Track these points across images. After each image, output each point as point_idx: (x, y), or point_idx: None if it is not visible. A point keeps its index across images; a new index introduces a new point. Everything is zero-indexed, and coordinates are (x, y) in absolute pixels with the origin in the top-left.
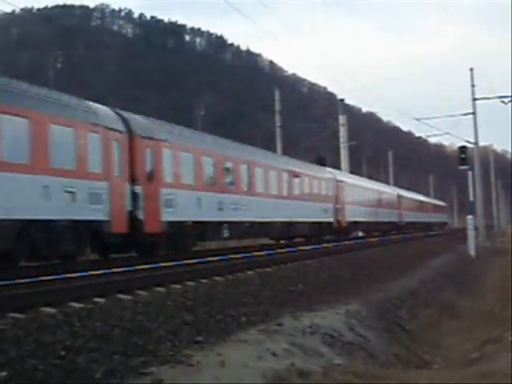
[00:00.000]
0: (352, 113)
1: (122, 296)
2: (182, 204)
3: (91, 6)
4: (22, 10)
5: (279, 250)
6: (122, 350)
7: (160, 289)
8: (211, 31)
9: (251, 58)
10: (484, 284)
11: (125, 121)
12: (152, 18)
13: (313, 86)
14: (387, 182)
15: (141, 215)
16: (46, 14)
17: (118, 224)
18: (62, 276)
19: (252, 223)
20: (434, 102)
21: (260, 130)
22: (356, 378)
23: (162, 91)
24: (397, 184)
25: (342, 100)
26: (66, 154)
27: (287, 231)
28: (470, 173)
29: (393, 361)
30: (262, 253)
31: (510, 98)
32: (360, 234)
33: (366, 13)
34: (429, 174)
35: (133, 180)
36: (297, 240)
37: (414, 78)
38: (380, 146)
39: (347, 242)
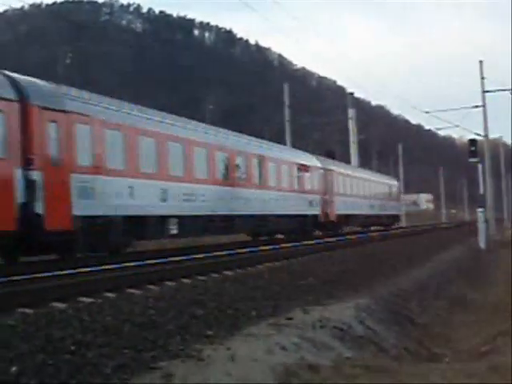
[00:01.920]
0: (361, 106)
1: (132, 291)
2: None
3: (100, 1)
4: (31, 5)
5: (285, 245)
6: (132, 344)
7: (170, 283)
8: (220, 25)
9: (260, 52)
10: (495, 277)
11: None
12: (161, 12)
13: (322, 80)
14: (397, 176)
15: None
16: (54, 9)
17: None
18: (73, 271)
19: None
20: (443, 94)
21: (269, 124)
22: (366, 371)
23: (171, 86)
24: (406, 177)
25: (352, 93)
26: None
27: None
28: (479, 165)
29: (403, 354)
30: (270, 247)
31: None
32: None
33: (376, 6)
34: (438, 167)
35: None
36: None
37: (423, 71)
38: (389, 140)
39: (353, 236)
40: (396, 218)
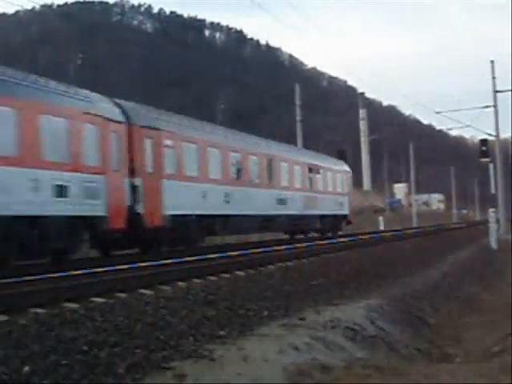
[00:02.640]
0: (373, 106)
1: (144, 291)
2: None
3: (111, 1)
4: (43, 6)
5: (298, 245)
6: (144, 344)
7: (182, 283)
8: (231, 26)
9: (271, 52)
10: (506, 277)
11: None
12: (172, 12)
13: (333, 80)
14: (408, 176)
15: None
16: (66, 10)
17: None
18: (84, 271)
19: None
20: (454, 94)
21: (280, 124)
22: (378, 372)
23: (183, 86)
24: (417, 177)
25: (363, 93)
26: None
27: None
28: (491, 165)
29: (415, 354)
30: (282, 247)
31: None
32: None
33: (389, 6)
34: (450, 167)
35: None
36: (315, 235)
37: (434, 71)
38: (401, 140)
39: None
40: (341, 220)
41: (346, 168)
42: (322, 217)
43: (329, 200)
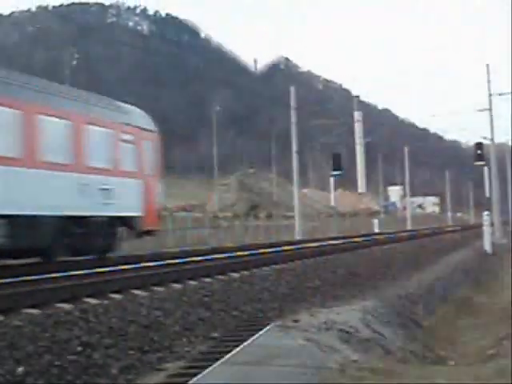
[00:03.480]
0: (368, 109)
1: (138, 292)
2: None
3: (106, 3)
4: (38, 7)
5: (292, 247)
6: (138, 345)
7: (176, 285)
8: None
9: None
10: (501, 280)
11: None
12: (167, 14)
13: (328, 83)
14: (403, 179)
15: None
16: (61, 11)
17: None
18: (78, 272)
19: None
20: (450, 98)
21: (275, 126)
22: (372, 374)
23: (178, 88)
24: (412, 180)
25: (358, 96)
26: None
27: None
28: (486, 169)
29: (409, 357)
30: (276, 249)
31: None
32: None
33: (383, 8)
34: (445, 171)
35: None
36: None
37: (431, 75)
38: (396, 143)
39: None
40: (114, 228)
41: (145, 123)
42: (15, 221)
43: (54, 185)
